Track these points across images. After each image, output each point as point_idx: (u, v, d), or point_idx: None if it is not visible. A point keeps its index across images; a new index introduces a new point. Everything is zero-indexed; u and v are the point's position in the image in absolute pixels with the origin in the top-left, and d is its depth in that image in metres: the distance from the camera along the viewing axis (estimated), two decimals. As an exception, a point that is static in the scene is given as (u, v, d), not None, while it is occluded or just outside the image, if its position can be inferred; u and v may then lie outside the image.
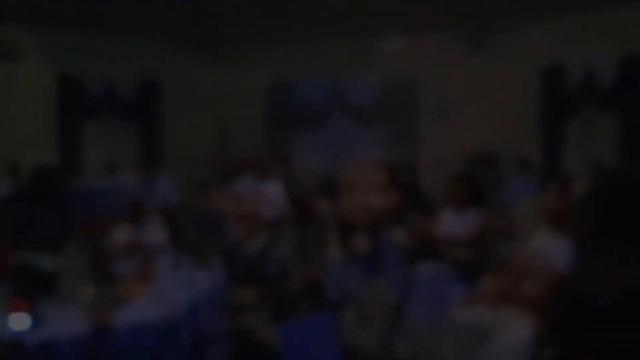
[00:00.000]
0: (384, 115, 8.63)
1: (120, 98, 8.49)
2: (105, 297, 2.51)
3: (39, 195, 4.34)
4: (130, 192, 4.76)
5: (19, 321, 2.15)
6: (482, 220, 3.54)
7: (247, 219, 4.98)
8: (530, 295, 2.49)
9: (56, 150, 7.91)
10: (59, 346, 2.08)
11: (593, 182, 1.14)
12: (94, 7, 6.80)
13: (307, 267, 4.68)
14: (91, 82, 8.21)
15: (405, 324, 2.78)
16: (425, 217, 4.03)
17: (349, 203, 4.76)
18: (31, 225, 3.93)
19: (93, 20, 7.28)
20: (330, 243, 4.33)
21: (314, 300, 4.46)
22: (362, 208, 4.11)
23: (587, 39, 6.62)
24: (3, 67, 7.33)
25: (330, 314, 1.62)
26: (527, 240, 2.91)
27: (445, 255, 3.39)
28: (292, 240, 5.37)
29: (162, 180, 5.27)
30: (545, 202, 2.87)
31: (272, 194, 5.14)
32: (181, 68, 8.74)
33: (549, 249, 2.56)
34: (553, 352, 1.10)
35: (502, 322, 2.44)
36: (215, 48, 8.89)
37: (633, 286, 0.95)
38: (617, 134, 6.69)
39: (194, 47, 8.78)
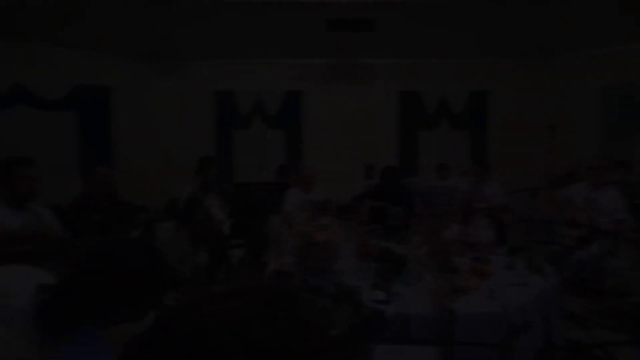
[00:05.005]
0: None
1: (452, 109, 8.89)
2: (445, 285, 2.65)
3: (386, 192, 4.90)
4: (460, 194, 4.88)
5: (379, 295, 2.49)
6: None
7: (578, 226, 4.45)
8: None
9: (398, 155, 8.81)
10: (411, 319, 2.31)
11: None
12: (431, 38, 7.29)
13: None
14: (427, 97, 8.86)
15: None
16: None
17: None
18: (382, 217, 4.46)
19: (430, 47, 7.82)
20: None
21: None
22: None
23: None
24: (359, 89, 8.62)
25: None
26: None
27: None
28: (632, 253, 4.52)
29: (491, 184, 5.20)
30: None
31: (608, 202, 4.44)
32: (508, 78, 8.49)
33: None
34: None
35: None
36: (542, 56, 8.27)
37: None
38: None
39: (520, 57, 8.40)
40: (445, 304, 2.39)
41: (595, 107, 7.97)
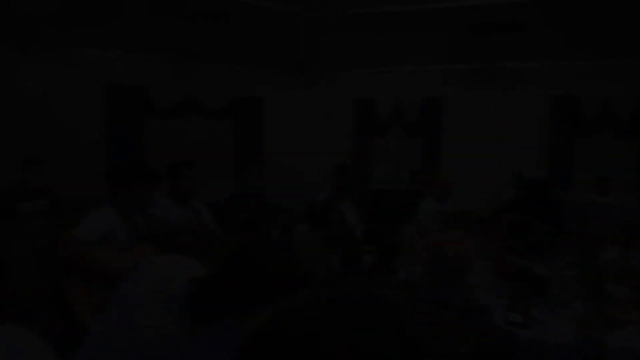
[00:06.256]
0: None
1: (617, 114, 7.83)
2: (595, 314, 2.35)
3: (532, 205, 4.50)
4: (623, 212, 4.28)
5: (515, 317, 2.31)
6: None
7: None
8: None
9: (548, 165, 8.04)
10: (549, 348, 2.10)
11: None
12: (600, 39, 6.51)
13: None
14: (586, 102, 7.94)
15: None
16: None
17: None
18: (525, 232, 4.11)
19: (589, 46, 7.00)
20: None
21: None
22: None
23: None
24: (503, 94, 8.04)
25: None
26: None
27: None
28: None
29: (663, 202, 4.47)
30: None
31: None
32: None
33: None
34: None
35: None
36: None
37: None
38: None
39: None
40: (593, 336, 2.12)
41: None
